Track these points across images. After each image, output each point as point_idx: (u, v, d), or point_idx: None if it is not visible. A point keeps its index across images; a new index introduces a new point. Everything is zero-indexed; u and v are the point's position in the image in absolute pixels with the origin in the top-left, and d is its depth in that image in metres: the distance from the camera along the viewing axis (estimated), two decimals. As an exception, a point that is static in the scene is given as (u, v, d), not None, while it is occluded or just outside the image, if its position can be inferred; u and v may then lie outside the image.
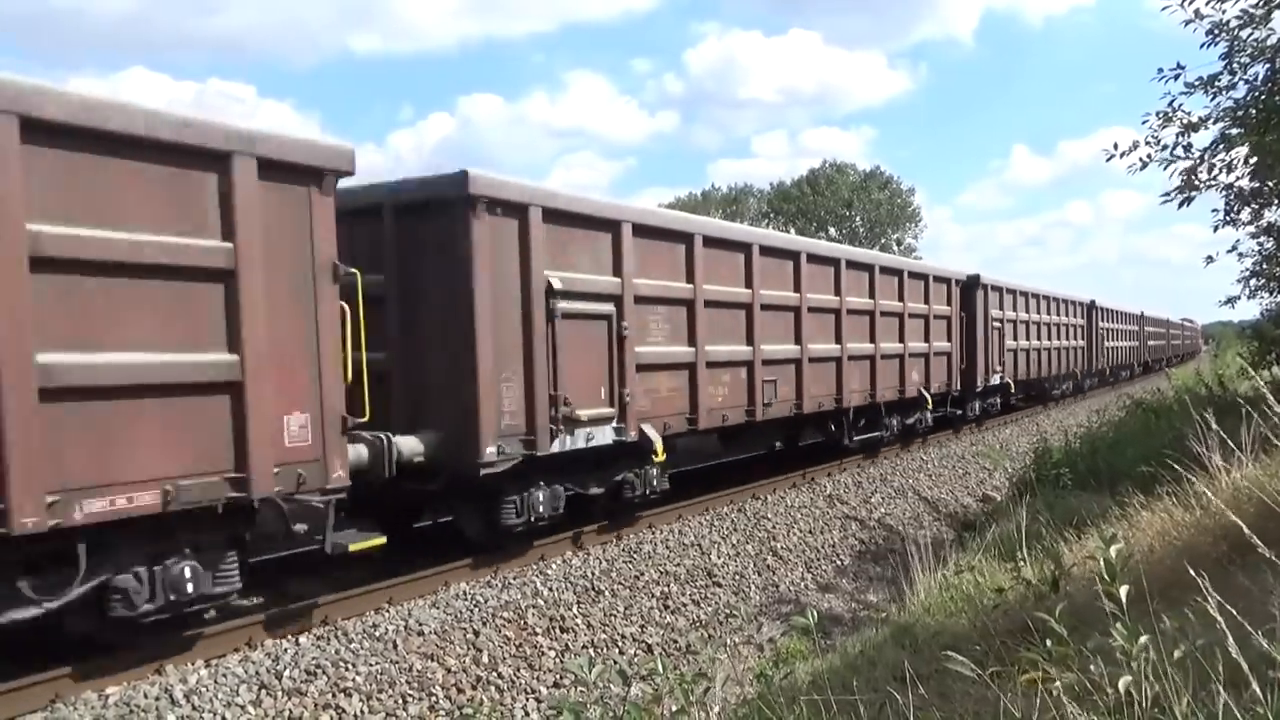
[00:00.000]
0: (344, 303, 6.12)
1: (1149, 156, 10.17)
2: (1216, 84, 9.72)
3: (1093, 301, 29.46)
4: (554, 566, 8.22)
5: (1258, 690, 2.32)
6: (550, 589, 7.75)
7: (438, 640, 6.57)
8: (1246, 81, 9.68)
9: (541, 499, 8.02)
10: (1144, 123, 10.08)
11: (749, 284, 10.83)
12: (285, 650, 6.00)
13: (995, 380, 19.50)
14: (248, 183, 5.46)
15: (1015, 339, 20.90)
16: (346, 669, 5.93)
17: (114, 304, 4.96)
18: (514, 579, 7.78)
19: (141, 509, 5.03)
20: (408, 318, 7.53)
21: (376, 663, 6.09)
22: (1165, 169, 10.23)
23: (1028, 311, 22.04)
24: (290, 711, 5.46)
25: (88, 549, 4.95)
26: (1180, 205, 10.48)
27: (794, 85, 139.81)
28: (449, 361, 7.31)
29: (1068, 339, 26.22)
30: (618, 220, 8.70)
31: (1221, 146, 10.07)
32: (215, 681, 5.49)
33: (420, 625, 6.66)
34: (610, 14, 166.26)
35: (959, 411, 18.08)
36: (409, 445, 7.02)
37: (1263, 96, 9.55)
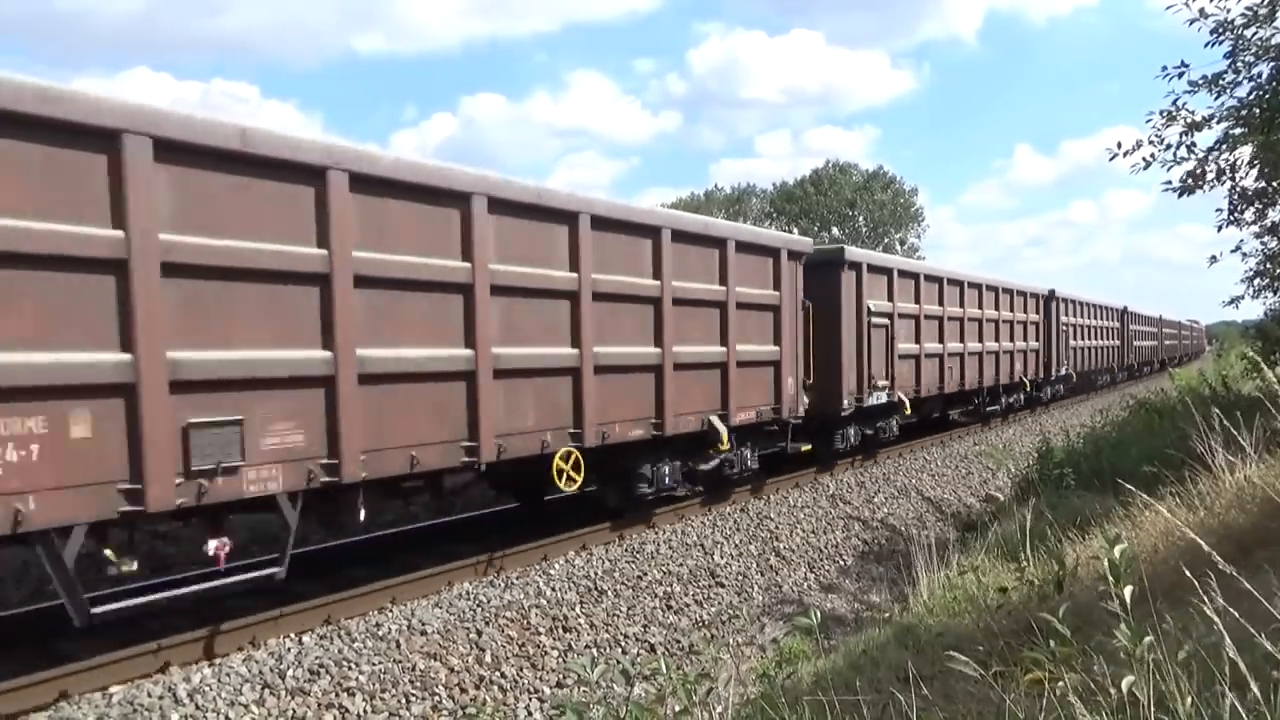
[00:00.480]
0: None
1: (1152, 156, 10.16)
2: (1220, 83, 9.69)
3: (1126, 308, 34.66)
4: (557, 566, 8.22)
5: (1258, 692, 2.32)
6: (553, 588, 7.75)
7: (441, 640, 6.58)
8: (1251, 80, 9.66)
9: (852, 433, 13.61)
10: (1148, 121, 10.07)
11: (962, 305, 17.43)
12: (289, 649, 6.01)
13: (1063, 372, 24.93)
14: (791, 263, 11.31)
15: (1077, 339, 26.85)
16: (350, 668, 5.94)
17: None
18: (517, 578, 7.79)
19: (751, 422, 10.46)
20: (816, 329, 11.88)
21: (380, 662, 6.10)
22: (1168, 169, 10.22)
23: (1082, 317, 27.63)
24: (293, 711, 5.47)
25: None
26: (1180, 195, 10.45)
27: (797, 85, 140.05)
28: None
29: (1107, 339, 31.65)
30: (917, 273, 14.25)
31: (1225, 146, 10.06)
32: (219, 680, 5.50)
33: (423, 625, 6.67)
34: (613, 14, 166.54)
35: (1039, 395, 23.54)
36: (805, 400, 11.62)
37: (1267, 95, 9.53)
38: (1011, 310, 20.50)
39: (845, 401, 12.84)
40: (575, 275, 7.98)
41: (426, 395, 6.70)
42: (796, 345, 11.49)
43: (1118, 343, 33.30)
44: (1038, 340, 22.54)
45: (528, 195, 7.54)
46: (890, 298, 14.34)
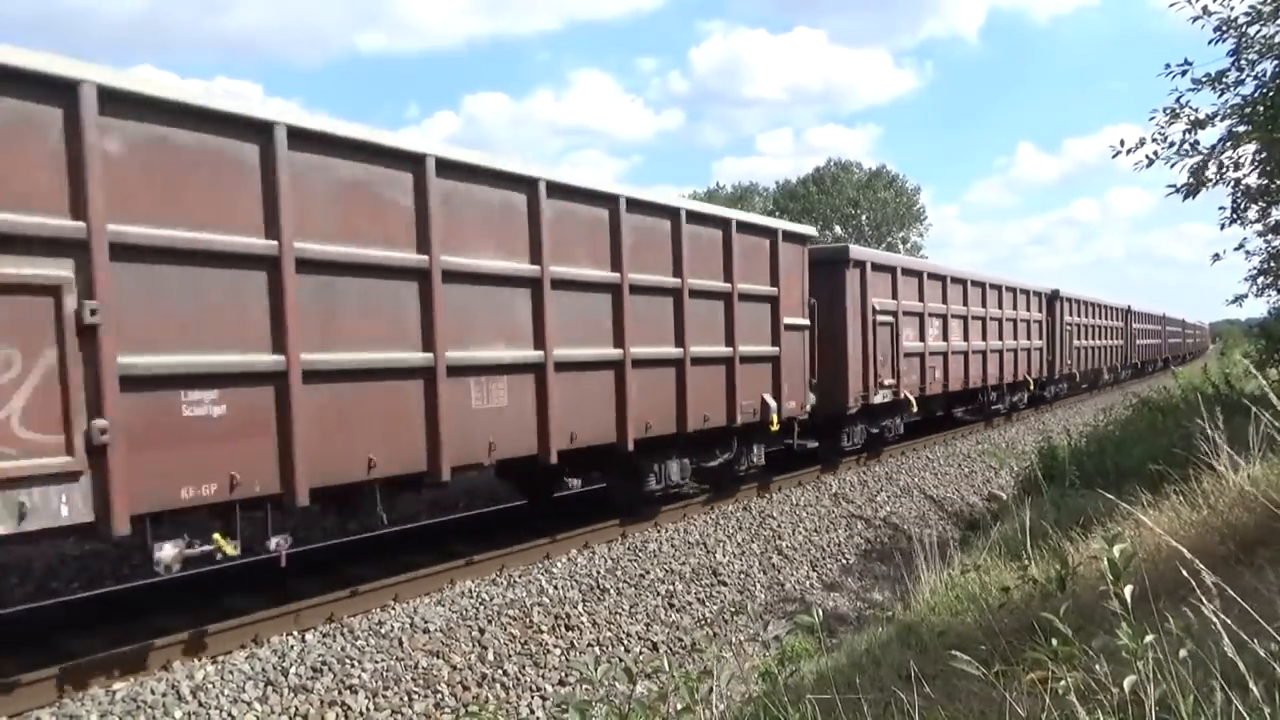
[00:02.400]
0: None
1: (1155, 154, 10.13)
2: (1224, 80, 9.66)
3: (1130, 307, 34.95)
4: (559, 564, 8.23)
5: (1257, 693, 2.31)
6: (556, 587, 7.76)
7: (443, 638, 6.58)
8: (1255, 78, 9.63)
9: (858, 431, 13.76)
10: (1151, 119, 10.04)
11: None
12: (291, 647, 6.01)
13: (1066, 370, 25.13)
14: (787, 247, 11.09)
15: (1081, 338, 27.17)
16: (352, 666, 5.95)
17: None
18: (519, 577, 7.79)
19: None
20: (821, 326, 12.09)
21: (382, 660, 6.11)
22: (1172, 166, 10.19)
23: (1086, 316, 27.82)
24: (296, 708, 5.48)
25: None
26: (1185, 197, 10.43)
27: (799, 83, 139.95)
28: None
29: (1110, 338, 32.05)
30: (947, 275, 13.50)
31: (1229, 143, 10.03)
32: (222, 678, 5.51)
33: (426, 623, 6.67)
34: (617, 12, 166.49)
35: (1043, 393, 23.67)
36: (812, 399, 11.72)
37: (1271, 93, 9.50)
38: (1015, 309, 20.67)
39: (851, 400, 12.84)
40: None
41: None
42: (804, 342, 11.50)
43: (1121, 342, 33.71)
44: (1041, 339, 22.70)
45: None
46: (895, 296, 14.32)
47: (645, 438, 8.75)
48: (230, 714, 5.27)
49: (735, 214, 10.50)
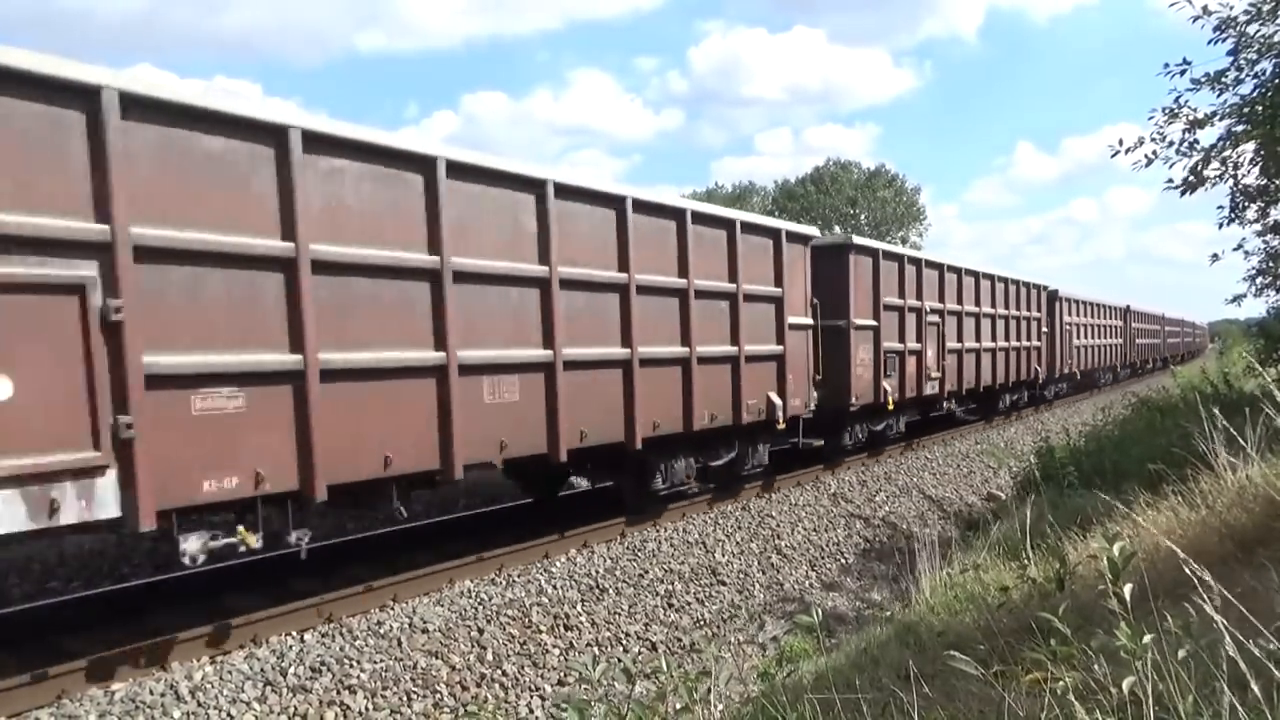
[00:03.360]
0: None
1: (1154, 153, 10.13)
2: (1223, 80, 9.66)
3: (1129, 306, 35.22)
4: (558, 564, 8.23)
5: (1258, 692, 2.31)
6: (555, 587, 7.76)
7: (442, 637, 6.58)
8: (1254, 78, 9.63)
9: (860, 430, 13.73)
10: (1150, 119, 10.05)
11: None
12: (290, 647, 6.01)
13: (1068, 370, 25.25)
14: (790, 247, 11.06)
15: (1081, 338, 27.12)
16: (351, 666, 5.95)
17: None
18: (518, 576, 7.79)
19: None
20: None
21: (381, 660, 6.11)
22: (1170, 166, 10.20)
23: (1086, 316, 28.00)
24: (295, 708, 5.48)
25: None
26: (1183, 193, 10.43)
27: (798, 83, 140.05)
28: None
29: (1110, 337, 32.25)
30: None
31: (1228, 143, 10.03)
32: (221, 678, 5.51)
33: (425, 622, 6.67)
34: (615, 12, 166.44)
35: (1044, 393, 23.79)
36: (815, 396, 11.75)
37: (1270, 93, 9.50)
38: (1017, 308, 20.58)
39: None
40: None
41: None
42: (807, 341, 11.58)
43: (1121, 341, 33.89)
44: (1040, 339, 22.69)
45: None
46: (902, 294, 14.66)
47: (652, 436, 8.80)
48: (229, 714, 5.27)
49: (739, 214, 10.51)
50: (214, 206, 5.30)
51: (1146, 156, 10.14)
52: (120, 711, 5.05)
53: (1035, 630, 3.53)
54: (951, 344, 16.69)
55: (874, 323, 13.58)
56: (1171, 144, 10.06)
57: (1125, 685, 2.39)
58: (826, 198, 59.48)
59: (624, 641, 7.51)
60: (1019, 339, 20.75)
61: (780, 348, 10.85)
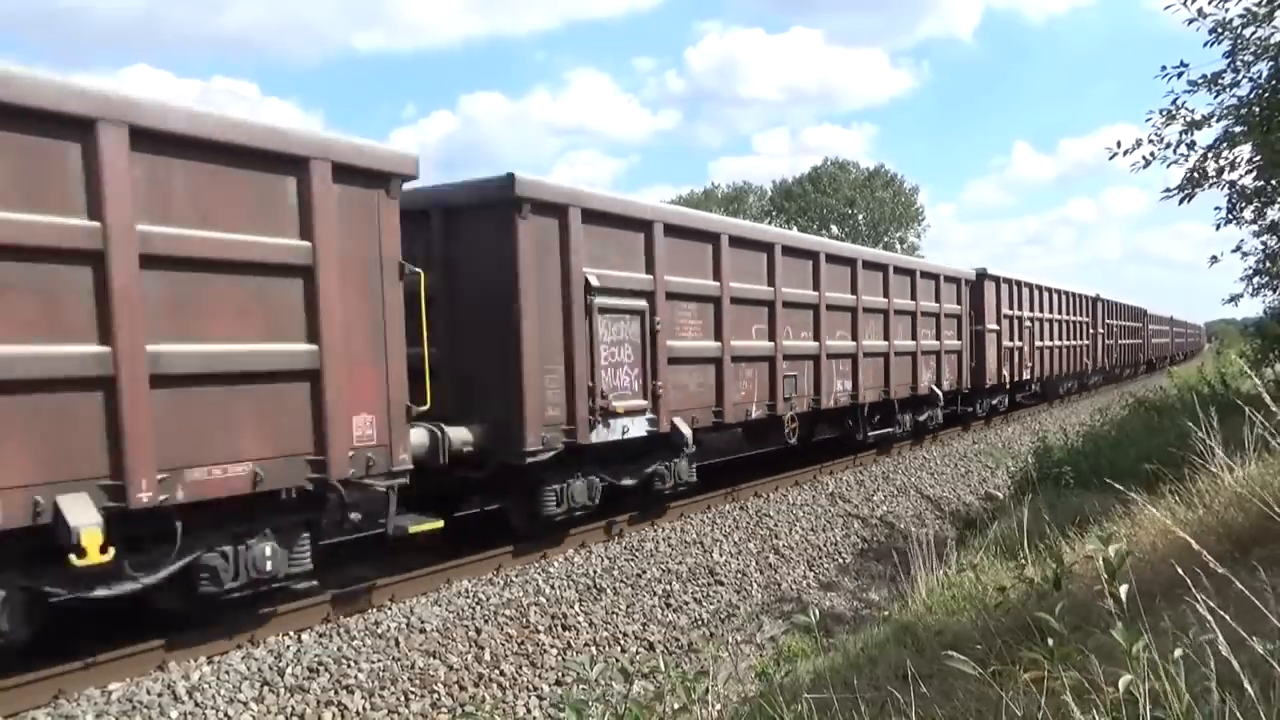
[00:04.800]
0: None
1: (1152, 155, 10.16)
2: (1220, 82, 9.69)
3: (1099, 296, 29.11)
4: (556, 564, 8.23)
5: (1252, 692, 2.32)
6: (553, 586, 7.76)
7: (440, 637, 6.58)
8: (1250, 80, 9.66)
9: (580, 489, 8.43)
10: (1147, 120, 10.08)
11: (771, 282, 11.26)
12: (288, 647, 6.01)
13: (998, 380, 19.45)
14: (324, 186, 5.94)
15: (1018, 338, 21.08)
16: (349, 666, 5.94)
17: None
18: (516, 576, 7.79)
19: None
20: (456, 315, 7.85)
21: (379, 660, 6.10)
22: (1168, 167, 10.23)
23: (1029, 308, 21.64)
24: (293, 708, 5.47)
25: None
26: (1181, 201, 10.47)
27: (796, 83, 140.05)
28: (497, 357, 7.69)
29: (1068, 337, 25.59)
30: (650, 220, 9.07)
31: (1225, 144, 10.06)
32: (218, 678, 5.50)
33: (422, 622, 6.67)
34: (613, 11, 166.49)
35: (970, 409, 18.66)
36: (459, 435, 7.44)
37: (1266, 95, 9.53)
38: (931, 300, 16.00)
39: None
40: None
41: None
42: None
43: (1086, 341, 27.05)
44: (960, 338, 17.40)
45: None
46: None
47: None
48: (226, 714, 5.26)
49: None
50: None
51: (1144, 158, 10.18)
52: (117, 711, 5.05)
53: (1033, 630, 3.54)
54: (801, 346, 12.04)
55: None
56: (1169, 145, 10.09)
57: (1121, 684, 2.40)
58: (825, 198, 59.48)
59: (622, 641, 7.52)
60: (920, 339, 15.45)
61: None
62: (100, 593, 5.12)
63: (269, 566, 5.86)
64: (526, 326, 7.61)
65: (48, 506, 4.65)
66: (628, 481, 9.13)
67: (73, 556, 4.62)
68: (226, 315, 5.44)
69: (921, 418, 16.09)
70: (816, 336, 12.21)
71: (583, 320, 8.11)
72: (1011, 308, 19.89)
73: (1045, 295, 22.53)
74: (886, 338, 14.34)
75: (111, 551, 4.76)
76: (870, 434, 14.17)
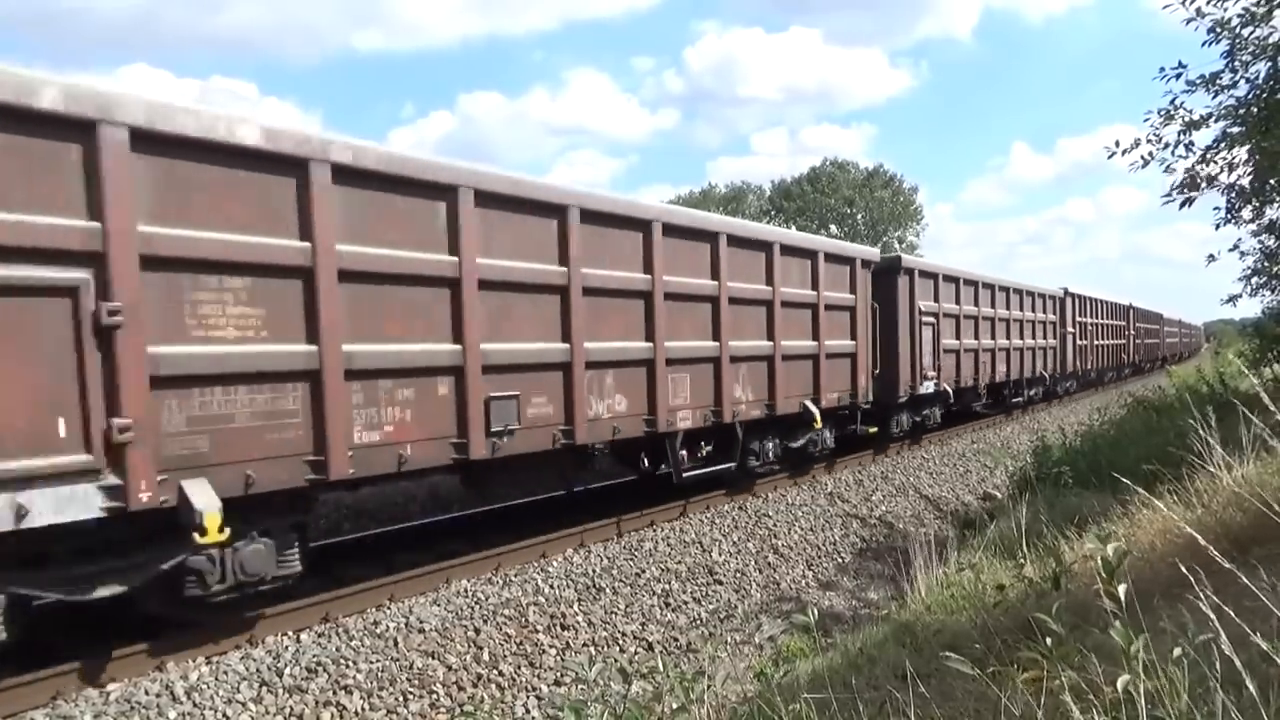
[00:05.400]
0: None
1: (1150, 155, 10.17)
2: (1218, 82, 9.69)
3: (1131, 305, 35.88)
4: (555, 563, 8.23)
5: (1253, 691, 2.32)
6: (551, 586, 7.76)
7: (439, 638, 6.58)
8: (1248, 80, 9.66)
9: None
10: (1145, 120, 10.09)
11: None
12: (286, 647, 6.01)
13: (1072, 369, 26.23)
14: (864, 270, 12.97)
15: (1086, 338, 28.31)
16: (347, 666, 5.94)
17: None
18: (515, 575, 7.79)
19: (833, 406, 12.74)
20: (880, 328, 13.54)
21: (377, 660, 6.10)
22: (1165, 167, 10.24)
23: (1092, 315, 29.60)
24: (291, 708, 5.47)
25: None
26: (1181, 206, 10.48)
27: (795, 83, 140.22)
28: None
29: (1113, 337, 33.01)
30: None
31: (1223, 145, 10.06)
32: (216, 678, 5.50)
33: (421, 622, 6.67)
34: (612, 11, 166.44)
35: (1055, 389, 25.39)
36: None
37: (1264, 95, 9.53)
38: (1033, 311, 22.48)
39: (901, 390, 14.73)
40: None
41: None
42: (868, 341, 13.61)
43: (1123, 340, 34.56)
44: (1054, 338, 24.28)
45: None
46: (936, 299, 16.26)
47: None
48: (225, 714, 5.26)
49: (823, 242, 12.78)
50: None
51: (1143, 158, 10.18)
52: (116, 712, 5.05)
53: (1031, 629, 3.54)
54: (982, 343, 18.52)
55: (918, 325, 15.64)
56: (1167, 146, 10.10)
57: (1119, 684, 2.40)
58: (823, 198, 59.53)
59: (620, 641, 7.52)
60: (1035, 339, 22.78)
61: (853, 343, 13.41)
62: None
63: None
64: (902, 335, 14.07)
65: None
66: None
67: (195, 534, 5.16)
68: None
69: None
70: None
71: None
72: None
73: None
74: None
75: (227, 531, 5.29)
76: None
